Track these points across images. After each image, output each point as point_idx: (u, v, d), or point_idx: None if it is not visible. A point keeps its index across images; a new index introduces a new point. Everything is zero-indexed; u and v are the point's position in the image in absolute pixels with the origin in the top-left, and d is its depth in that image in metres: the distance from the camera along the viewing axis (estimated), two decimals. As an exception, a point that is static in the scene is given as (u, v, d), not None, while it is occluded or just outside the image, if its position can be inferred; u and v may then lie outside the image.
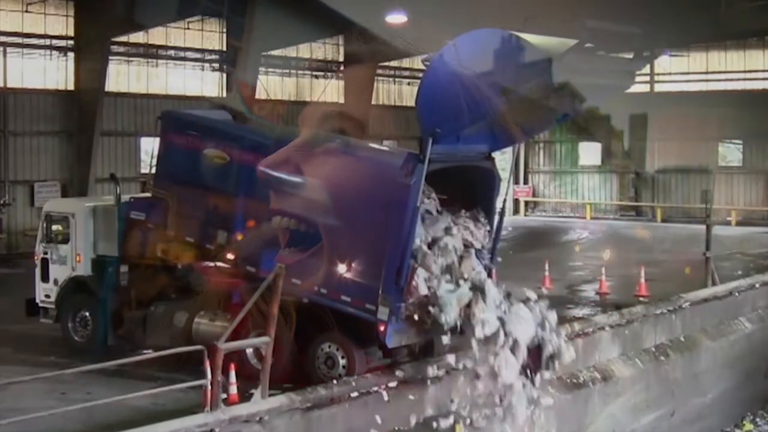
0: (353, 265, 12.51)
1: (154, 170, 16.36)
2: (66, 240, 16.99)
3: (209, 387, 9.92)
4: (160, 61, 34.97)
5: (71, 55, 32.04)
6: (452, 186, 13.10)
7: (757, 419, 18.97)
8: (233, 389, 11.99)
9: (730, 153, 45.44)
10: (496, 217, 13.70)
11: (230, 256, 14.47)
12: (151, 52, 34.68)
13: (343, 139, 13.55)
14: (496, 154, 13.53)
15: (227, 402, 11.03)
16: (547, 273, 22.94)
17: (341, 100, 40.68)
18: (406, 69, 44.82)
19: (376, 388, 11.54)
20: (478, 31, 11.98)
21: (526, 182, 47.18)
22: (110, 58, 32.79)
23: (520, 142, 15.29)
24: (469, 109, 11.84)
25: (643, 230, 37.39)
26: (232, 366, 12.27)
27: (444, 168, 12.51)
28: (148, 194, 16.69)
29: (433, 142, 11.80)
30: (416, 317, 12.18)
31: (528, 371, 12.16)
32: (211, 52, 36.54)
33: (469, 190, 13.31)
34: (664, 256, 28.76)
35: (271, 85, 38.69)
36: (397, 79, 44.85)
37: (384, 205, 12.28)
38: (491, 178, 13.37)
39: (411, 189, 11.95)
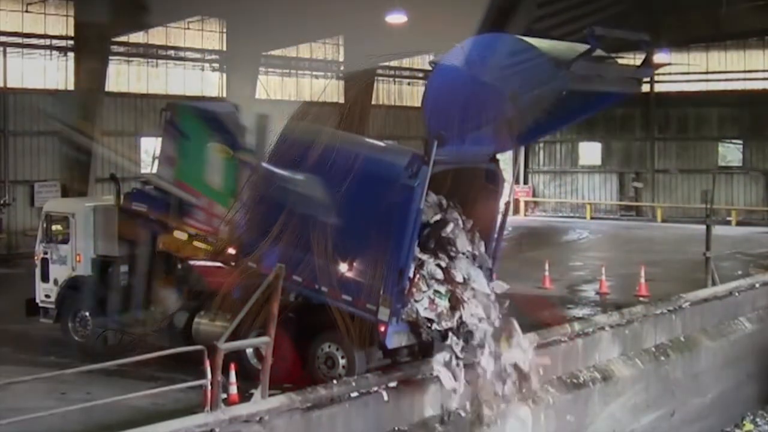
0: (355, 264, 12.47)
1: (156, 162, 16.28)
2: (66, 240, 17.00)
3: (209, 387, 9.92)
4: (160, 61, 34.99)
5: (71, 55, 32.03)
6: (457, 187, 13.04)
7: (757, 419, 18.97)
8: (233, 389, 11.99)
9: (730, 153, 45.48)
10: (499, 218, 13.67)
11: (232, 251, 14.43)
12: (151, 52, 34.71)
13: (347, 135, 13.50)
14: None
15: (227, 402, 11.03)
16: (547, 273, 22.94)
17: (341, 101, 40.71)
18: (406, 69, 44.84)
19: (376, 388, 11.53)
20: (486, 35, 11.98)
21: (526, 182, 47.21)
22: (110, 58, 32.80)
23: (526, 145, 15.36)
24: (475, 113, 11.81)
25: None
26: (232, 366, 12.28)
27: (449, 170, 12.43)
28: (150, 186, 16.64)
29: (438, 144, 11.74)
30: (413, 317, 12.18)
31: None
32: (211, 52, 36.57)
33: (473, 192, 13.26)
34: (664, 256, 28.77)
35: (271, 85, 38.75)
36: (397, 79, 44.87)
37: (387, 205, 12.20)
38: (496, 180, 13.35)
39: (415, 191, 11.86)
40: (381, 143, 14.65)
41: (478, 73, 11.64)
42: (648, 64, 13.06)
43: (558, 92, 11.83)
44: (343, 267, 12.53)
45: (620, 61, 13.06)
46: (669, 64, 40.80)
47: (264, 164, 13.43)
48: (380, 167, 12.68)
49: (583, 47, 11.69)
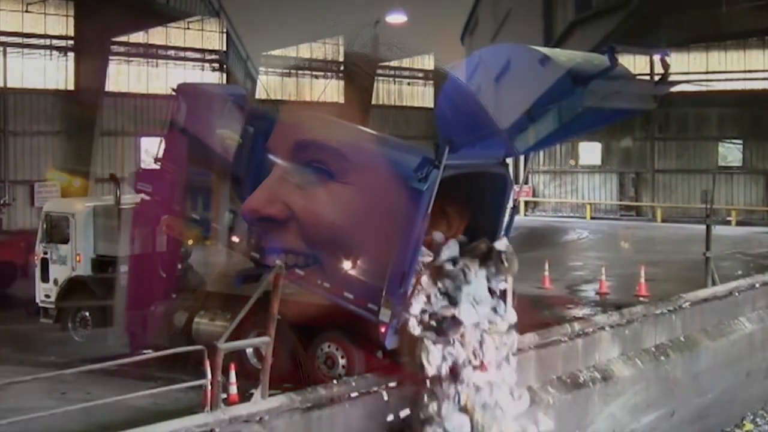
0: (358, 262, 12.37)
1: (163, 143, 16.18)
2: (66, 240, 17.00)
3: (209, 387, 9.92)
4: (160, 61, 35.00)
5: (71, 55, 32.06)
6: (463, 190, 12.95)
7: (757, 419, 18.96)
8: (233, 389, 11.99)
9: (730, 153, 45.47)
10: (506, 220, 13.62)
11: (235, 239, 14.37)
12: (151, 52, 34.72)
13: (357, 129, 13.42)
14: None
15: (227, 402, 11.03)
16: (546, 273, 22.94)
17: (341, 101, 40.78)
18: (406, 69, 44.87)
19: (376, 388, 11.53)
20: (505, 45, 11.98)
21: (526, 182, 47.21)
22: (110, 58, 32.82)
23: (537, 151, 15.24)
24: (487, 121, 11.77)
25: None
26: (232, 366, 12.27)
27: (457, 174, 12.32)
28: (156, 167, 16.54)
29: (450, 150, 11.58)
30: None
31: None
32: (211, 52, 36.59)
33: (480, 194, 13.19)
34: (664, 257, 28.76)
35: (271, 85, 38.78)
36: (397, 79, 44.89)
37: (394, 206, 12.01)
38: (504, 184, 13.27)
39: (423, 195, 11.68)
40: (393, 139, 14.47)
41: (494, 82, 11.62)
42: (665, 81, 12.99)
43: (574, 107, 11.77)
44: (346, 264, 12.45)
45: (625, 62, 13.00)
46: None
47: (272, 156, 13.28)
48: (389, 166, 12.38)
49: (600, 58, 11.66)
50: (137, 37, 34.09)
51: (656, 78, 13.02)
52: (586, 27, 44.00)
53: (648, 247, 32.00)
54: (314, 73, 40.86)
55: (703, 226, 21.00)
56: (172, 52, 35.53)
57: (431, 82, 45.90)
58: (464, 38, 55.88)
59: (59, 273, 16.99)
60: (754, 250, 31.19)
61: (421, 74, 45.97)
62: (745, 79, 44.10)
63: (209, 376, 9.90)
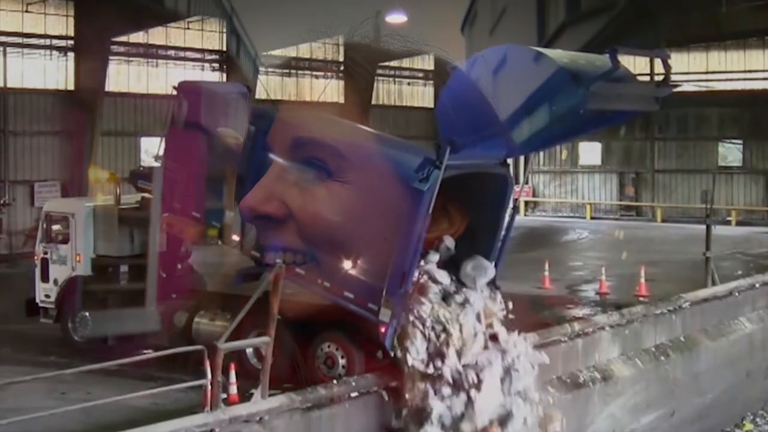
0: (359, 262, 12.36)
1: (164, 141, 16.14)
2: (66, 240, 16.99)
3: (209, 387, 9.92)
4: (160, 61, 35.02)
5: (71, 55, 32.06)
6: (464, 190, 12.94)
7: (757, 419, 18.96)
8: (233, 389, 11.99)
9: (730, 153, 45.46)
10: (506, 220, 13.61)
11: (236, 237, 14.36)
12: (151, 52, 34.75)
13: (359, 127, 13.40)
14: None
15: (227, 402, 11.03)
16: (546, 273, 22.93)
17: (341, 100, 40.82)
18: (406, 69, 44.87)
19: (376, 388, 11.53)
20: (507, 46, 11.98)
21: (526, 182, 47.22)
22: (110, 58, 32.84)
23: (538, 151, 15.23)
24: (489, 121, 11.74)
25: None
26: (232, 366, 12.27)
27: (458, 174, 12.31)
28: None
29: (451, 151, 11.52)
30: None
31: None
32: (211, 52, 36.61)
33: (480, 195, 13.18)
34: (664, 257, 28.76)
35: (271, 85, 38.82)
36: (397, 79, 44.90)
37: (395, 206, 11.97)
38: (505, 184, 13.26)
39: (424, 195, 11.63)
40: (394, 139, 14.42)
41: (496, 83, 11.62)
42: (668, 83, 12.96)
43: (575, 109, 11.76)
44: (346, 263, 12.43)
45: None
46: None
47: (271, 154, 13.26)
48: (390, 165, 12.28)
49: (602, 59, 11.66)
50: (137, 37, 34.12)
51: (658, 79, 12.97)
52: (576, 27, 44.04)
53: (648, 247, 31.99)
54: (314, 73, 40.89)
55: (703, 226, 21.01)
56: (172, 52, 35.55)
57: (431, 81, 45.91)
58: (464, 29, 56.04)
59: (59, 273, 16.98)
60: (754, 250, 31.20)
61: (421, 74, 45.99)
62: (745, 79, 44.09)
63: (209, 376, 9.91)
